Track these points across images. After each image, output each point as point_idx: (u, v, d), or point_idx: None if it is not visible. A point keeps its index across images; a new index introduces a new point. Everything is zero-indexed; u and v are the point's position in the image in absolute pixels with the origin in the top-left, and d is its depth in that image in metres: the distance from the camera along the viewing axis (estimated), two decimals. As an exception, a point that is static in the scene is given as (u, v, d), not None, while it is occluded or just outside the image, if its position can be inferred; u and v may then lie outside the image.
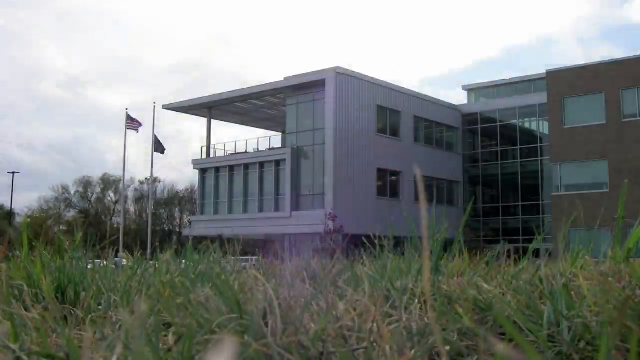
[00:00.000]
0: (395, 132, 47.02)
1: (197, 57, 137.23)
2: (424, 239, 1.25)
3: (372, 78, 45.26)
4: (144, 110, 65.86)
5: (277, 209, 44.70)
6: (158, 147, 44.26)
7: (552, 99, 39.41)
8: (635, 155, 36.30)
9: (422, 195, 1.15)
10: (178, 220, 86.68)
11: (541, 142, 49.61)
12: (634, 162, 36.11)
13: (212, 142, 51.70)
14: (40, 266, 2.57)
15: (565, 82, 38.91)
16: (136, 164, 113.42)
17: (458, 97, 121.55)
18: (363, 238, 3.58)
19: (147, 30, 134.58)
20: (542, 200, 48.58)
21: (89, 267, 2.77)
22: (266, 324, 1.41)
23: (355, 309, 1.53)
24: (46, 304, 2.12)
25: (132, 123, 42.78)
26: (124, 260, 3.27)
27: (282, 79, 45.54)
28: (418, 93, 49.54)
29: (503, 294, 1.87)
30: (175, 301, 1.80)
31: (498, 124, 52.55)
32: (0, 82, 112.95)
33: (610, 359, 1.01)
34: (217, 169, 49.05)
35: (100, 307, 2.18)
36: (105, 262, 2.98)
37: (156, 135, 44.29)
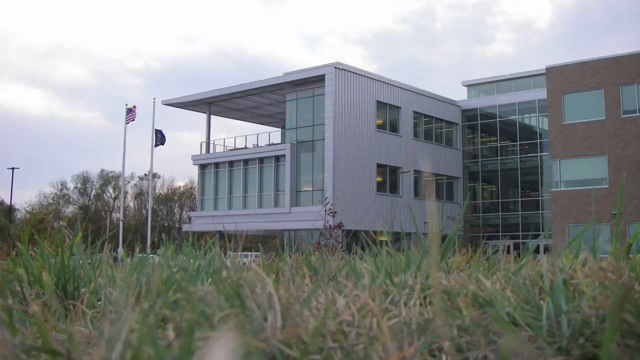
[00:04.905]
0: (394, 128, 47.01)
1: (197, 53, 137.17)
2: (432, 234, 1.25)
3: (371, 73, 45.23)
4: (144, 107, 65.86)
5: (276, 204, 44.72)
6: (159, 138, 44.19)
7: (551, 94, 39.38)
8: (634, 151, 36.30)
9: (431, 192, 1.15)
10: (177, 216, 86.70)
11: (541, 138, 49.63)
12: (634, 158, 36.10)
13: (212, 137, 51.75)
14: (40, 261, 2.57)
15: (564, 78, 38.88)
16: (136, 160, 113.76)
17: (458, 93, 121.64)
18: (362, 233, 3.58)
19: (144, 27, 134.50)
20: (542, 196, 48.61)
21: (89, 262, 2.77)
22: (266, 320, 1.41)
23: (354, 304, 1.53)
24: (46, 298, 2.12)
25: (131, 116, 42.79)
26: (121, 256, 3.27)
27: (282, 74, 45.51)
28: (417, 88, 49.52)
29: (503, 290, 1.87)
30: (175, 296, 1.81)
31: (498, 119, 52.54)
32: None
33: (612, 355, 1.01)
34: (217, 165, 49.05)
35: (100, 302, 2.18)
36: (104, 257, 2.99)
37: (156, 128, 44.25)
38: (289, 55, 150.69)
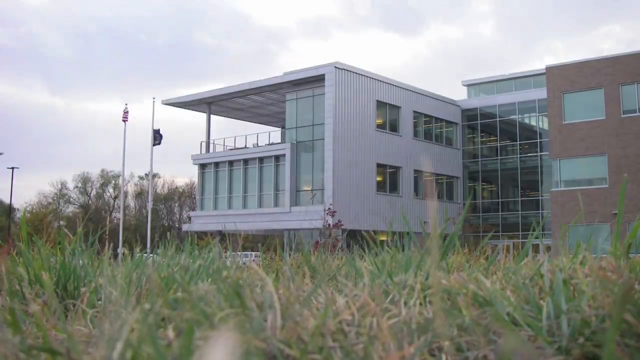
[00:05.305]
0: (394, 128, 47.01)
1: (197, 52, 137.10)
2: (433, 233, 1.25)
3: (371, 73, 45.23)
4: (143, 106, 65.75)
5: (276, 204, 44.72)
6: (155, 137, 44.29)
7: (551, 94, 39.38)
8: (634, 151, 36.31)
9: (431, 192, 1.15)
10: (178, 216, 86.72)
11: (541, 138, 49.64)
12: (633, 157, 36.11)
13: (212, 137, 51.74)
14: (40, 260, 2.57)
15: (564, 78, 38.88)
16: (135, 159, 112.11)
17: (458, 93, 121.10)
18: (363, 232, 3.59)
19: (141, 30, 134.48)
20: (542, 196, 48.63)
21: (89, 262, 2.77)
22: (265, 319, 1.41)
23: (354, 304, 1.53)
24: (46, 298, 2.12)
25: (127, 115, 42.92)
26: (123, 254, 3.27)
27: (282, 74, 45.52)
28: (417, 88, 49.53)
29: (503, 289, 1.87)
30: (175, 295, 1.81)
31: (498, 119, 52.55)
32: None
33: (613, 355, 1.01)
34: (217, 164, 49.05)
35: (100, 302, 2.18)
36: (104, 256, 2.98)
37: (156, 129, 44.29)
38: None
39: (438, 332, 1.43)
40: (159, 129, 44.50)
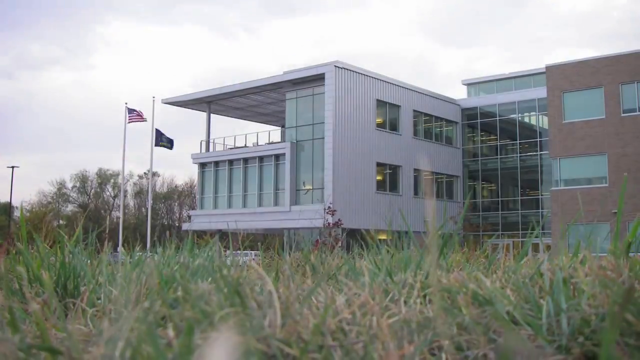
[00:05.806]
0: (394, 127, 47.00)
1: (197, 51, 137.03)
2: (431, 232, 1.25)
3: (371, 72, 45.22)
4: (143, 105, 65.69)
5: (276, 203, 44.71)
6: (164, 140, 44.04)
7: (551, 93, 39.37)
8: (634, 150, 36.30)
9: (430, 191, 1.15)
10: (177, 215, 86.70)
11: (540, 137, 49.62)
12: (633, 156, 36.11)
13: (212, 136, 51.73)
14: (39, 259, 2.57)
15: (564, 77, 38.87)
16: (134, 158, 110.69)
17: (458, 92, 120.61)
18: (362, 231, 3.58)
19: (146, 27, 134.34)
20: (542, 195, 48.63)
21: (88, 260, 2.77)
22: (265, 318, 1.41)
23: (354, 303, 1.53)
24: (46, 297, 2.12)
25: (134, 116, 42.54)
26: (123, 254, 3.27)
27: (282, 73, 45.50)
28: (417, 87, 49.51)
29: (502, 288, 1.87)
30: (175, 295, 1.81)
31: (498, 118, 52.53)
32: None
33: (611, 354, 1.01)
34: (217, 164, 49.03)
35: (100, 301, 2.18)
36: (104, 255, 2.98)
37: (159, 129, 44.14)
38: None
39: (438, 331, 1.43)
40: (164, 133, 44.24)
